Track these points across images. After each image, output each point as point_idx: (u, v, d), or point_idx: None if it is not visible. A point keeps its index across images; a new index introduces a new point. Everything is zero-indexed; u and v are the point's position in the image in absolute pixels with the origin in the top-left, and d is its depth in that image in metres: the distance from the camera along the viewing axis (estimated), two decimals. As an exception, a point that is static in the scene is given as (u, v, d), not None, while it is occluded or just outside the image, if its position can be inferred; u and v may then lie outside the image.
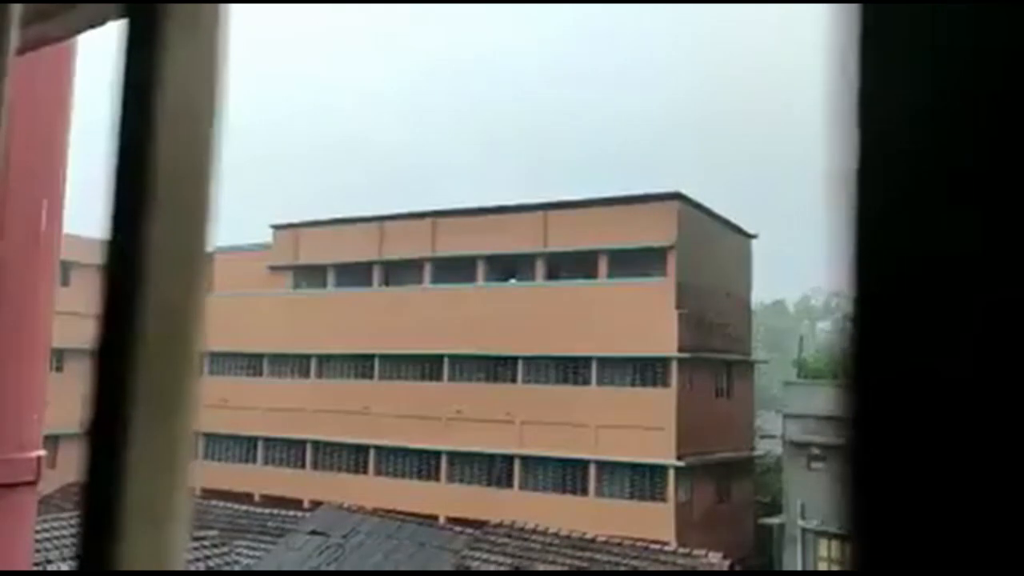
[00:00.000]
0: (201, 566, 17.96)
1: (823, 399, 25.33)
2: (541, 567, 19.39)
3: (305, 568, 20.71)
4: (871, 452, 0.33)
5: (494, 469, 29.90)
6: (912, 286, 0.33)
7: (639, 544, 20.52)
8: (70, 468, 24.89)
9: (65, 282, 27.43)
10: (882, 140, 0.35)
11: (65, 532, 15.60)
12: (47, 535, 15.32)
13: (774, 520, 27.80)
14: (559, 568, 19.31)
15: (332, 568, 20.65)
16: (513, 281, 32.15)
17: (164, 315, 0.54)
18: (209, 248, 0.57)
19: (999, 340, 0.31)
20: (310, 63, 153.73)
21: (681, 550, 20.71)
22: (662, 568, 19.27)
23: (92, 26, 1.41)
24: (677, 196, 28.76)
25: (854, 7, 0.36)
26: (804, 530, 25.13)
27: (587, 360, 28.74)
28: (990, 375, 0.31)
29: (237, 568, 19.85)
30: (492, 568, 19.48)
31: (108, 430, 0.53)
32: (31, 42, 1.29)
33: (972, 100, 0.33)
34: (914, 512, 0.32)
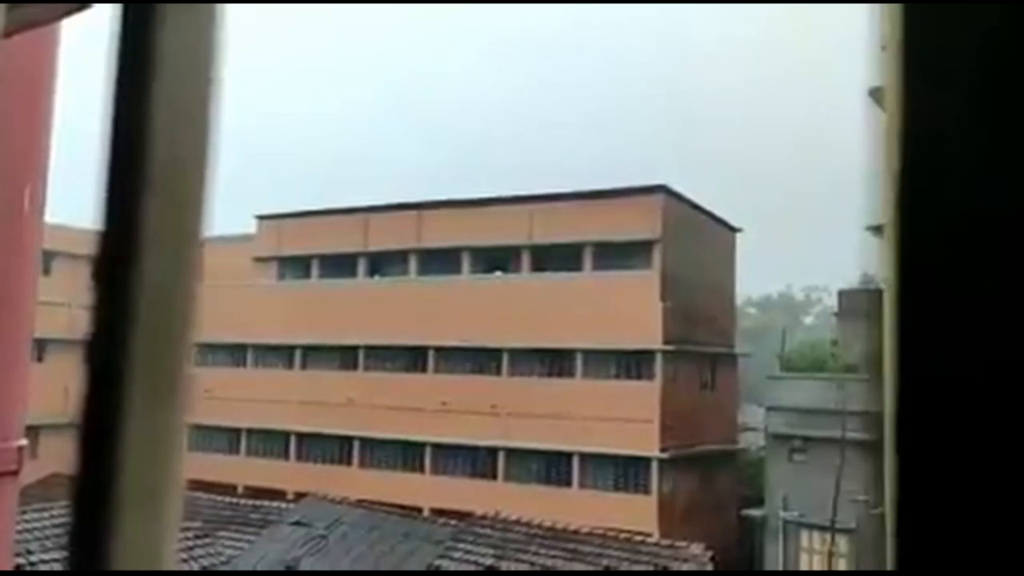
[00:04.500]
0: (185, 557, 17.89)
1: (806, 392, 25.54)
2: (524, 558, 19.46)
3: (288, 558, 20.68)
4: (911, 446, 0.33)
5: (478, 461, 29.94)
6: (951, 283, 0.33)
7: (622, 536, 20.64)
8: (52, 459, 24.72)
9: (47, 272, 27.18)
10: (923, 141, 0.34)
11: (47, 523, 15.49)
12: (28, 526, 15.20)
13: (756, 512, 28.01)
14: (547, 561, 19.38)
15: (315, 559, 20.64)
16: (498, 273, 32.14)
17: (157, 303, 0.53)
18: (203, 237, 0.56)
19: None
20: (293, 71, 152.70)
21: (664, 541, 20.85)
22: (645, 561, 19.39)
23: (79, 9, 1.39)
24: (662, 189, 28.84)
25: (896, 6, 0.36)
26: (786, 521, 25.35)
27: (572, 352, 28.81)
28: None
29: (224, 561, 19.78)
30: (475, 561, 19.52)
31: (100, 418, 0.53)
32: (16, 24, 1.27)
33: (1016, 97, 0.32)
34: (954, 507, 0.31)
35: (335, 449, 32.45)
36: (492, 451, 29.54)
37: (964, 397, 0.32)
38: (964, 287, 0.33)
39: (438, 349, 31.08)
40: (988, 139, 0.33)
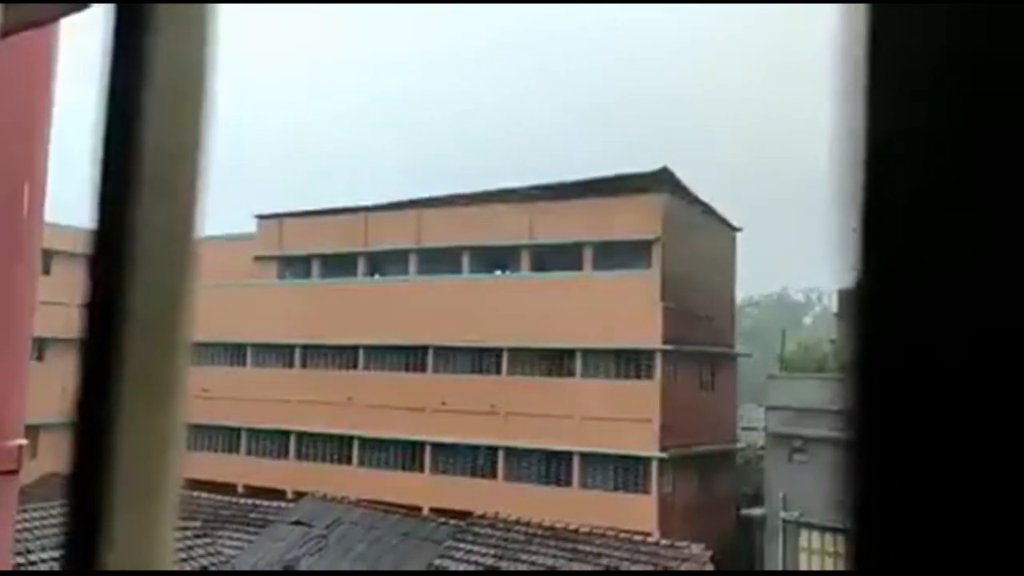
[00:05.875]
0: (184, 556, 17.90)
1: (805, 392, 25.51)
2: (524, 558, 19.46)
3: (287, 558, 20.68)
4: (874, 445, 0.33)
5: (478, 460, 29.94)
6: (917, 284, 0.33)
7: (622, 535, 20.63)
8: (51, 458, 24.69)
9: (47, 271, 27.15)
10: (888, 142, 0.34)
11: (47, 523, 15.50)
12: (28, 525, 15.21)
13: (756, 511, 27.99)
14: (547, 561, 19.38)
15: (315, 559, 20.63)
16: (498, 272, 32.14)
17: (153, 301, 0.53)
18: (198, 233, 0.56)
19: (999, 335, 0.31)
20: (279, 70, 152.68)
21: (664, 541, 20.85)
22: (645, 561, 19.39)
23: (77, 9, 1.40)
24: (664, 181, 28.77)
25: (861, 7, 0.35)
26: (785, 521, 25.33)
27: (572, 352, 28.80)
28: (991, 369, 0.31)
29: (223, 560, 19.78)
30: (475, 560, 19.52)
31: (96, 417, 0.53)
32: (15, 24, 1.27)
33: (978, 99, 0.32)
34: (917, 507, 0.31)
35: (335, 448, 32.44)
36: (492, 451, 29.53)
37: (917, 397, 0.32)
38: (928, 288, 0.33)
39: (438, 349, 31.07)
40: (953, 140, 0.33)
